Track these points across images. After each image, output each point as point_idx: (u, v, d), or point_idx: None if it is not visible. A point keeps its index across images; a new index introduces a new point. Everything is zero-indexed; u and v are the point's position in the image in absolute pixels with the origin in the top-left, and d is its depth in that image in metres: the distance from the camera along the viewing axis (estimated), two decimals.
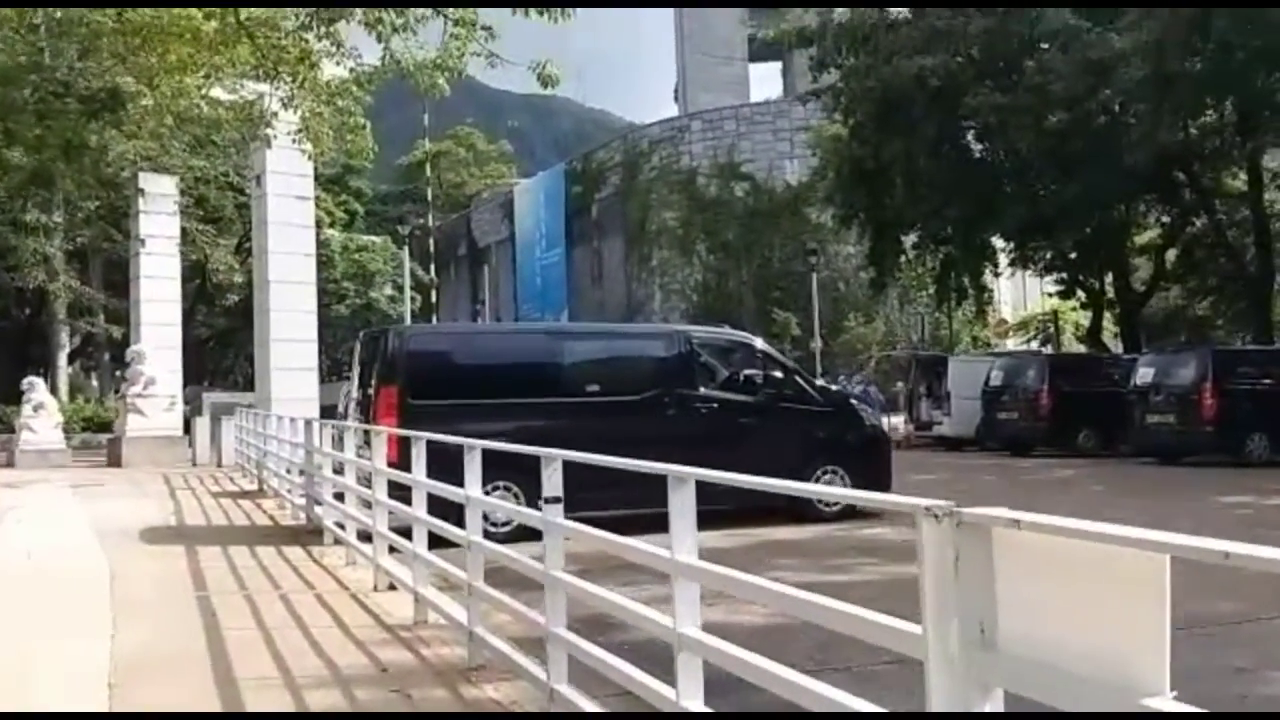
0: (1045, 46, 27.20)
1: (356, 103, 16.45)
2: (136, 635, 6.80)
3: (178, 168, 26.57)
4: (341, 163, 40.12)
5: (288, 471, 14.03)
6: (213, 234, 35.84)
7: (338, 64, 14.39)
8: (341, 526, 10.06)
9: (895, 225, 32.54)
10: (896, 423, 28.23)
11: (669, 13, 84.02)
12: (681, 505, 3.74)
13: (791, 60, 62.33)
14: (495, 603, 5.85)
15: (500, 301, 64.46)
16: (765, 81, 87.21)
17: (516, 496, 10.13)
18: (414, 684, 5.72)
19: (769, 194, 51.47)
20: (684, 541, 3.71)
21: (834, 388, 22.22)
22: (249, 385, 29.68)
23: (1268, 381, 20.53)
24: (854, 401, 16.56)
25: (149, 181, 24.90)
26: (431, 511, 7.13)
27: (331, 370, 43.77)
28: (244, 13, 13.37)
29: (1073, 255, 32.07)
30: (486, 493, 6.39)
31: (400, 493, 7.98)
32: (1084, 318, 37.13)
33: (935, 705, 2.37)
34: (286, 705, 5.38)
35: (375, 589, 8.32)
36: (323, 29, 13.21)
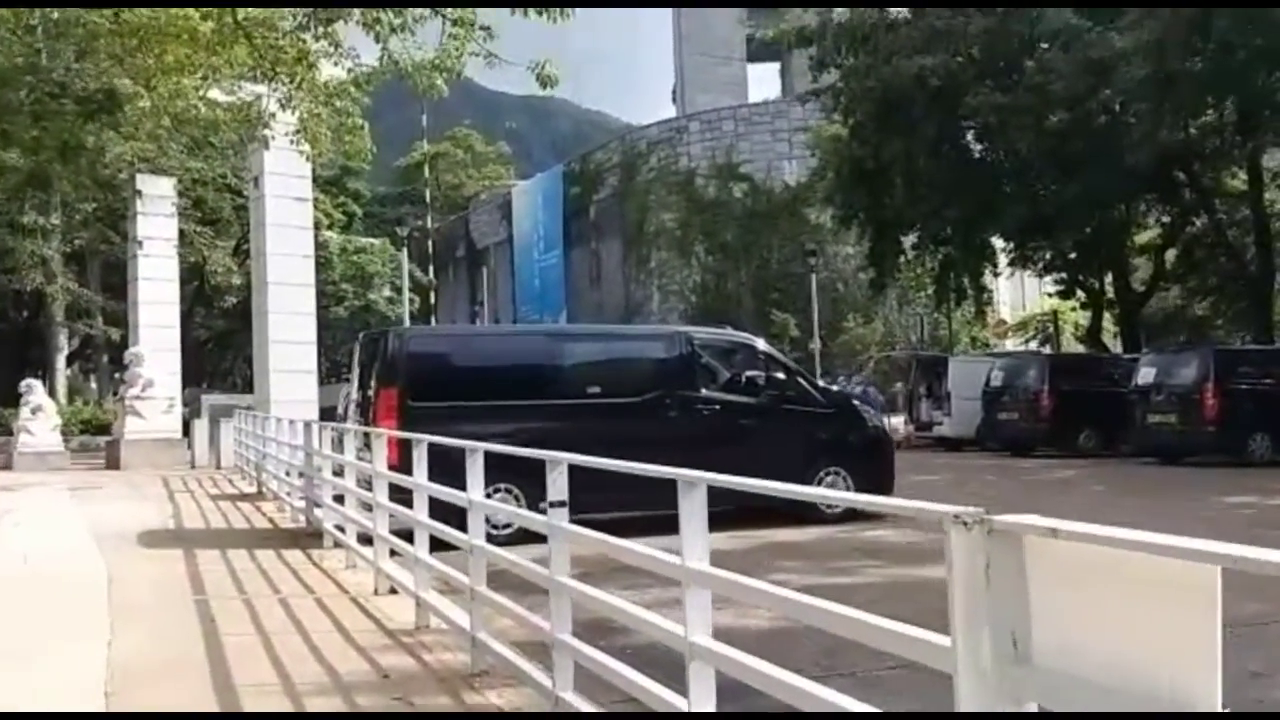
0: (1045, 46, 27.15)
1: (354, 103, 16.39)
2: (134, 640, 6.72)
3: (175, 169, 26.48)
4: (339, 164, 40.02)
5: (287, 474, 13.95)
6: (211, 236, 35.73)
7: (335, 64, 14.32)
8: (341, 529, 9.98)
9: (895, 225, 32.47)
10: (896, 423, 28.13)
11: (667, 14, 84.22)
12: (692, 510, 3.65)
13: (790, 61, 62.32)
14: (499, 608, 5.77)
15: (499, 303, 64.44)
16: (763, 82, 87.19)
17: (517, 499, 10.04)
18: (416, 690, 5.64)
19: (767, 195, 51.46)
20: (695, 547, 3.62)
21: (835, 388, 22.16)
22: (248, 387, 29.60)
23: (1269, 381, 20.45)
24: (856, 402, 16.47)
25: (146, 183, 24.83)
26: (432, 514, 7.05)
27: (330, 372, 43.69)
28: (241, 13, 13.29)
29: (1072, 255, 32.03)
30: (487, 495, 6.31)
31: (401, 495, 7.90)
32: (1083, 318, 37.09)
33: None
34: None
35: (376, 593, 8.24)
36: (320, 29, 13.14)
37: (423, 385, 11.63)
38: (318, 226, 31.28)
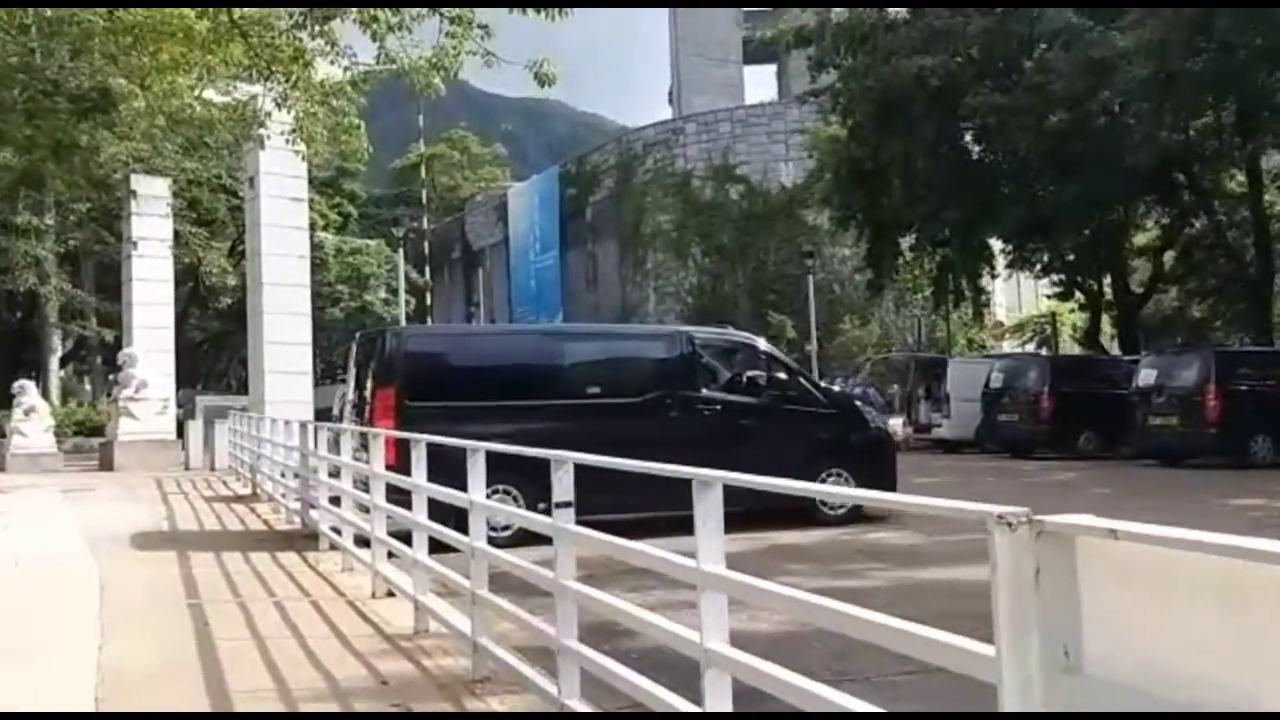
0: (1045, 46, 27.08)
1: (350, 103, 16.25)
2: (126, 646, 6.57)
3: (170, 170, 26.36)
4: (335, 165, 39.90)
5: (282, 475, 13.82)
6: (206, 237, 35.57)
7: (332, 63, 14.19)
8: (338, 531, 9.84)
9: (893, 226, 32.37)
10: (895, 425, 28.01)
11: (663, 16, 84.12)
12: (707, 511, 3.50)
13: (786, 62, 62.36)
14: (500, 612, 5.63)
15: (495, 304, 64.27)
16: (760, 84, 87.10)
17: (516, 500, 9.91)
18: (415, 697, 5.50)
19: (764, 196, 51.33)
20: (711, 549, 3.48)
21: (836, 388, 22.06)
22: (242, 388, 29.51)
23: (1271, 383, 20.36)
24: (858, 403, 16.37)
25: (141, 183, 24.72)
26: (430, 515, 6.91)
27: (325, 374, 43.54)
28: (237, 11, 13.16)
29: (1071, 257, 31.95)
30: (486, 496, 6.18)
31: (398, 496, 7.76)
32: (1081, 319, 37.01)
33: None
34: None
35: (373, 596, 8.10)
36: (317, 27, 13.02)
37: (420, 385, 11.51)
38: (313, 227, 31.12)
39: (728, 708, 3.52)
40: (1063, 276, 33.79)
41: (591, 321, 47.68)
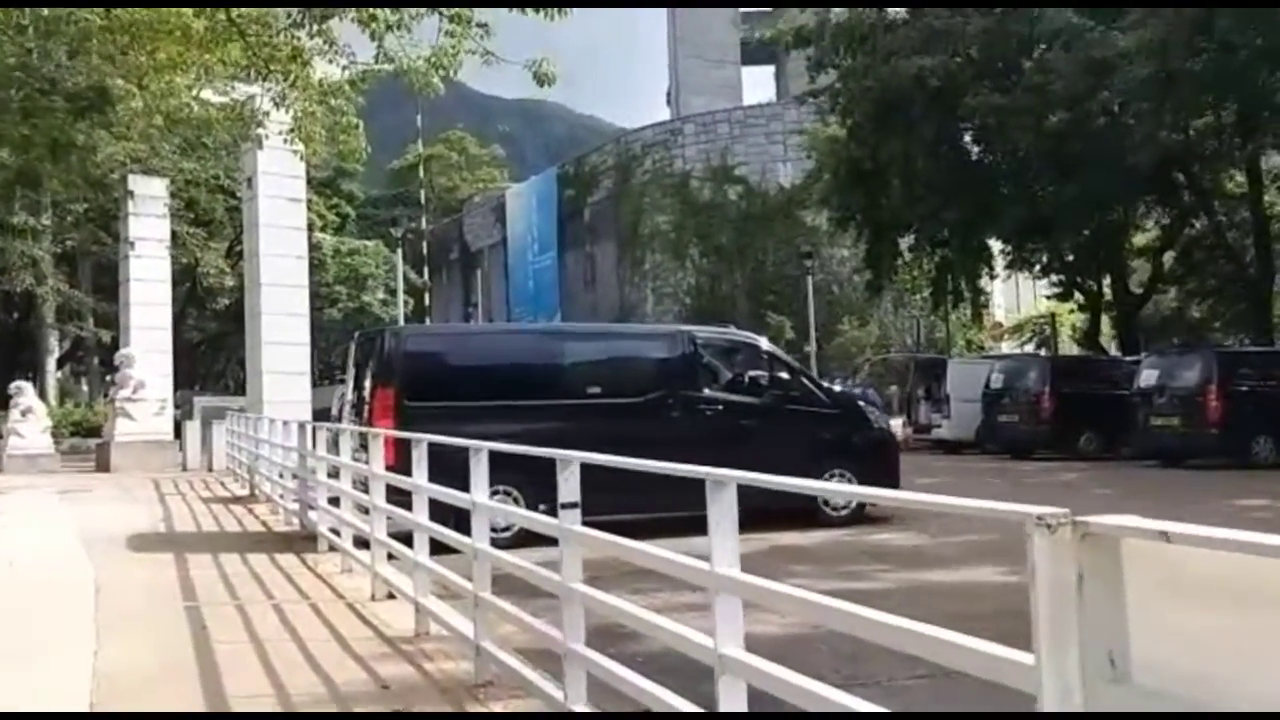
0: (1045, 46, 27.01)
1: (349, 102, 16.15)
2: (121, 649, 6.48)
3: (168, 170, 26.28)
4: (333, 165, 39.78)
5: (280, 476, 13.72)
6: (203, 237, 35.51)
7: (330, 62, 14.09)
8: (337, 533, 9.74)
9: (892, 227, 32.30)
10: (895, 425, 27.91)
11: (662, 17, 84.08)
12: (720, 512, 3.39)
13: (785, 63, 62.37)
14: (503, 614, 5.53)
15: (493, 305, 64.20)
16: (758, 85, 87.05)
17: (516, 501, 9.81)
18: (417, 701, 5.41)
19: (762, 197, 51.32)
20: (725, 551, 3.38)
21: (838, 388, 22.00)
22: (240, 389, 29.37)
23: (1272, 384, 20.29)
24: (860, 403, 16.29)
25: (138, 184, 24.65)
26: (430, 516, 6.81)
27: (324, 374, 43.43)
28: (235, 10, 13.06)
29: (1071, 257, 31.88)
30: (489, 496, 6.08)
31: (398, 497, 7.67)
32: (1080, 320, 36.94)
33: None
34: None
35: (373, 598, 8.00)
36: (315, 26, 12.92)
37: (420, 385, 11.42)
38: (311, 228, 31.02)
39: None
40: (1062, 277, 33.71)
41: (590, 322, 47.62)
